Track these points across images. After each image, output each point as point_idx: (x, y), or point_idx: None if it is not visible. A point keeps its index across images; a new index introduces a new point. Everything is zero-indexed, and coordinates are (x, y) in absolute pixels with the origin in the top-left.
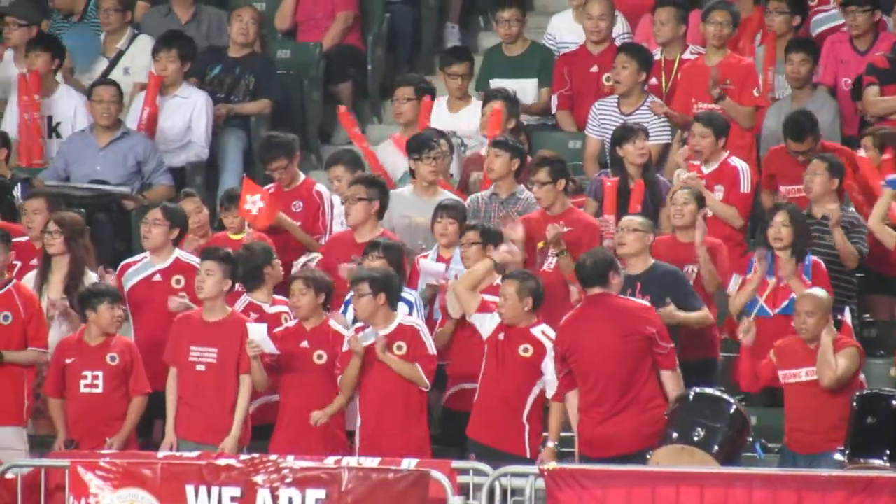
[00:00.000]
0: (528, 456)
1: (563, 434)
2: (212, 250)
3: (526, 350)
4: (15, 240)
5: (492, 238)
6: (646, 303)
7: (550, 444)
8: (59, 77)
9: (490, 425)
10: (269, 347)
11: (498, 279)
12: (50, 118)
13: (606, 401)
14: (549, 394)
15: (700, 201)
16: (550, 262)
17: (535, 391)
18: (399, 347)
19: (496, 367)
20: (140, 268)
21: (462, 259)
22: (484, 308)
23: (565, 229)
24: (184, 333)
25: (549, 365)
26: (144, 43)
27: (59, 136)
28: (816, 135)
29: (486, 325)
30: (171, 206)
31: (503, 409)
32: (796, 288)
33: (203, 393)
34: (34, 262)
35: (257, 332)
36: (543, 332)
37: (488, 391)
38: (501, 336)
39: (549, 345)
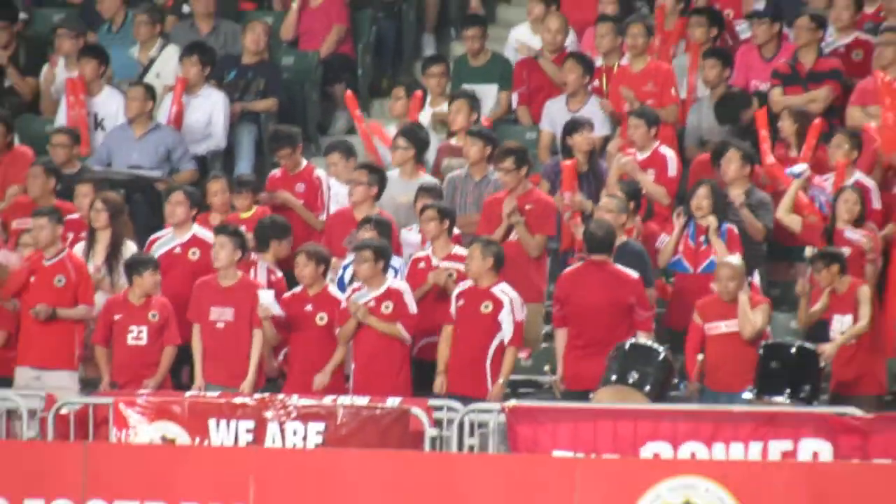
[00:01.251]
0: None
1: (542, 378)
2: (224, 227)
3: (486, 307)
4: (69, 217)
5: (447, 215)
6: (635, 274)
7: (500, 381)
8: (103, 80)
9: (461, 375)
10: (277, 310)
11: (455, 248)
12: (96, 115)
13: (586, 345)
14: (507, 340)
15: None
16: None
17: (496, 342)
18: (387, 306)
19: (463, 326)
20: (164, 241)
21: (422, 232)
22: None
23: (515, 204)
24: (204, 296)
25: (506, 318)
26: (172, 51)
27: (103, 129)
28: None
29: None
30: (190, 189)
31: (471, 360)
32: (717, 247)
33: (223, 346)
34: (83, 234)
35: (266, 297)
36: (503, 290)
37: (458, 350)
38: (463, 302)
39: (506, 300)
